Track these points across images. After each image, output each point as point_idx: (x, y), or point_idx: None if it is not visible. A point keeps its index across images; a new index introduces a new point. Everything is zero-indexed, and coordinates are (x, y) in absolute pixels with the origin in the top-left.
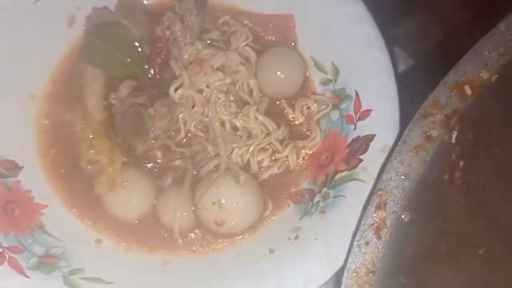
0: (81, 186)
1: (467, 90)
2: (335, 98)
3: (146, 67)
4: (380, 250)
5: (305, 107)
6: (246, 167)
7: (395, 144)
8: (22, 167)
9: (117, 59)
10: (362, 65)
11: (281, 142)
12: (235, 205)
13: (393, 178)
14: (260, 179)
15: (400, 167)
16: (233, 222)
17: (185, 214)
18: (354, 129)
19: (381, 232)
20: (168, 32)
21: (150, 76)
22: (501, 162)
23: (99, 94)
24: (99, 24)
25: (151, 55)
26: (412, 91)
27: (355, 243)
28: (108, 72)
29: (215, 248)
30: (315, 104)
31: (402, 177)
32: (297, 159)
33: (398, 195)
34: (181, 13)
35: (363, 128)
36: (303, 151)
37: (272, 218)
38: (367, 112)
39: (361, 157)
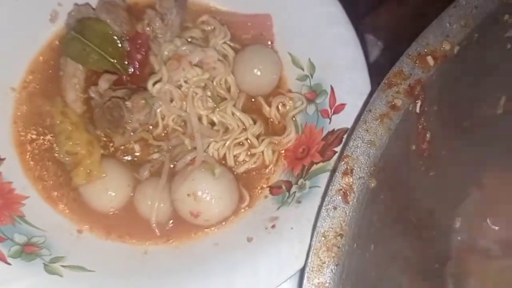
0: (59, 178)
1: (430, 60)
2: (311, 93)
3: (126, 63)
4: (348, 214)
5: (281, 104)
6: (222, 161)
7: (360, 112)
8: (4, 159)
9: (98, 54)
10: (337, 62)
11: (257, 137)
12: (209, 197)
13: (359, 145)
14: (236, 172)
15: (366, 134)
16: (208, 214)
17: (162, 205)
18: (329, 122)
19: (348, 197)
20: (148, 29)
21: (129, 71)
22: (468, 136)
23: (79, 87)
24: (80, 19)
25: (131, 51)
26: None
27: (323, 208)
28: (88, 67)
29: (192, 238)
30: (290, 102)
31: (368, 144)
32: (272, 154)
33: (364, 162)
34: (162, 11)
35: (337, 122)
36: (278, 146)
37: (249, 209)
38: (342, 106)
39: (335, 149)
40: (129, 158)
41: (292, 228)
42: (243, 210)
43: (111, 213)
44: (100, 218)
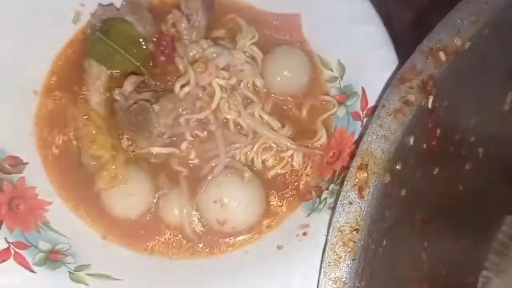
0: (82, 183)
1: (442, 56)
2: (341, 95)
3: (151, 64)
4: (363, 209)
5: (312, 107)
6: (250, 166)
7: (374, 108)
8: (26, 163)
9: (122, 56)
10: (368, 63)
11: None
12: (237, 203)
13: (373, 140)
14: (264, 177)
15: (380, 130)
16: (235, 221)
17: (190, 213)
18: (361, 125)
19: (363, 192)
20: (173, 30)
21: (154, 73)
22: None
23: (103, 90)
24: (105, 20)
25: (155, 52)
26: None
27: (339, 203)
28: (112, 69)
29: (221, 247)
30: (321, 105)
31: (382, 139)
32: (302, 158)
33: (379, 157)
34: (188, 12)
35: None
36: (308, 151)
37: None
38: (374, 108)
39: None
40: (152, 161)
41: (325, 235)
42: (280, 214)
43: (133, 220)
44: (121, 226)
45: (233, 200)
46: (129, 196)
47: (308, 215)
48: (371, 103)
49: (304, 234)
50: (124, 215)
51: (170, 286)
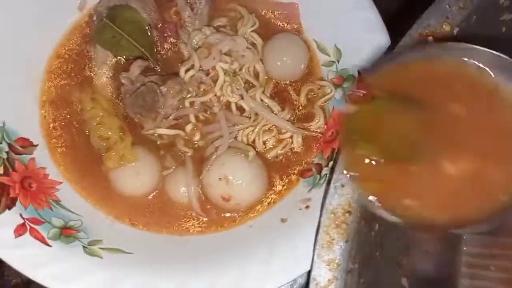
0: (90, 164)
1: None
2: (338, 78)
3: (156, 50)
4: (355, 192)
5: (310, 91)
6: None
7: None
8: (37, 145)
9: (128, 42)
10: (364, 47)
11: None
12: (241, 181)
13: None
14: (265, 158)
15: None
16: (239, 198)
17: (196, 190)
18: None
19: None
20: (175, 17)
21: (159, 59)
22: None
23: (109, 74)
24: (112, 7)
25: (159, 39)
26: None
27: (331, 185)
28: (118, 55)
29: (227, 222)
30: (319, 89)
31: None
32: (301, 140)
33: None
34: (191, 1)
35: None
36: (307, 132)
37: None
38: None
39: None
40: (158, 142)
41: None
42: (282, 191)
43: (142, 199)
44: (131, 206)
45: (237, 178)
46: (136, 175)
47: (309, 190)
48: None
49: (307, 207)
50: (132, 194)
51: (180, 259)
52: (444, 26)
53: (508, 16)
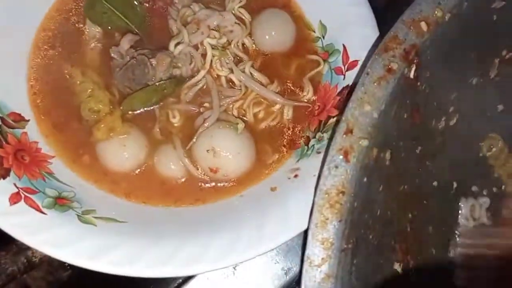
0: (79, 138)
1: (423, 26)
2: (323, 53)
3: (145, 25)
4: (349, 173)
5: (299, 66)
6: (241, 120)
7: (358, 76)
8: (28, 120)
9: (118, 18)
10: (348, 21)
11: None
12: (228, 152)
13: (357, 106)
14: (256, 129)
15: (364, 96)
16: (226, 169)
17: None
18: (344, 79)
19: (348, 156)
20: None
21: (148, 34)
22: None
23: (99, 48)
24: None
25: (149, 14)
26: None
27: (325, 166)
28: (108, 29)
29: (216, 193)
30: (308, 63)
31: (366, 106)
32: (291, 111)
33: (363, 122)
34: None
35: (351, 77)
36: (295, 104)
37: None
38: (355, 62)
39: None
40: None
41: (314, 175)
42: (269, 166)
43: (129, 173)
44: (119, 180)
45: (224, 149)
46: (123, 148)
47: (298, 160)
48: (352, 58)
49: (295, 176)
50: (118, 167)
51: (174, 227)
52: (436, 12)
53: (499, 4)
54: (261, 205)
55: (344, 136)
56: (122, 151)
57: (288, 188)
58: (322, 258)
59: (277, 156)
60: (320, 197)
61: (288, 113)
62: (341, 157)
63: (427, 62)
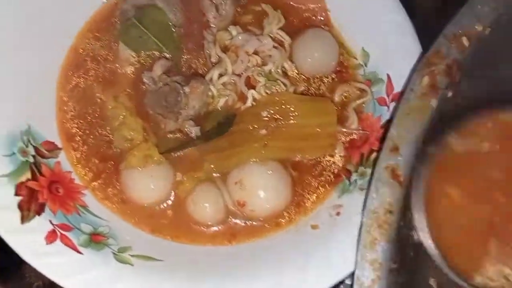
0: (107, 166)
1: (465, 41)
2: (366, 82)
3: (180, 51)
4: (396, 191)
5: (345, 92)
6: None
7: (401, 94)
8: (61, 148)
9: (153, 43)
10: (392, 50)
11: None
12: (253, 186)
13: (403, 123)
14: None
15: (410, 112)
16: (253, 203)
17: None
18: (388, 110)
19: (395, 174)
20: (201, 17)
21: (182, 59)
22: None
23: (132, 73)
24: (139, 6)
25: (184, 39)
26: None
27: (372, 185)
28: (143, 54)
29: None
30: (354, 91)
31: (412, 121)
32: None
33: (409, 139)
34: (216, 1)
35: None
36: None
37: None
38: (401, 94)
39: None
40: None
41: (357, 214)
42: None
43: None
44: (149, 215)
45: (250, 183)
46: (150, 178)
47: (340, 196)
48: (397, 89)
49: (338, 214)
50: (143, 197)
51: (211, 268)
52: (476, 27)
53: None
54: (303, 245)
55: (390, 153)
56: (149, 182)
57: (330, 227)
58: (372, 280)
59: (321, 195)
60: (368, 217)
61: (340, 148)
62: (387, 174)
63: (466, 75)
